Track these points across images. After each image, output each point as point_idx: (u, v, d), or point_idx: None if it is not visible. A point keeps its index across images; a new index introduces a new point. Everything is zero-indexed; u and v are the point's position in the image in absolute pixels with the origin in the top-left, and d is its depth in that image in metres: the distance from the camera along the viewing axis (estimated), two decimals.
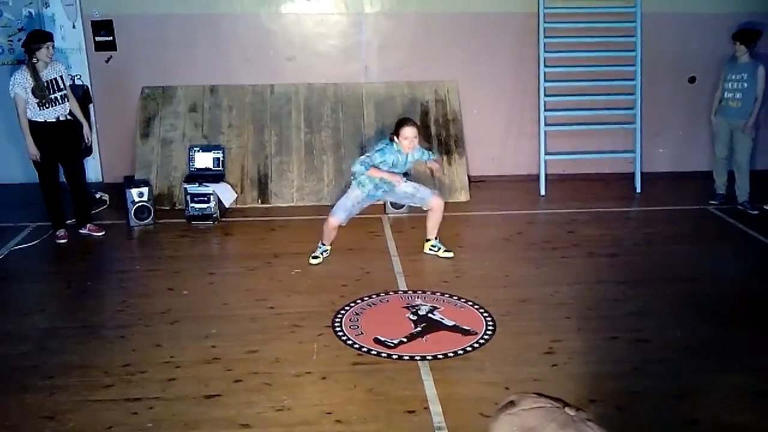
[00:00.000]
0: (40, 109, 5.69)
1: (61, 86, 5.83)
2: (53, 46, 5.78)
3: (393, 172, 5.40)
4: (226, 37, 7.39)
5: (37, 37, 5.70)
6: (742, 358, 4.13)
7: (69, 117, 5.92)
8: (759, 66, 6.61)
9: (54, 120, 5.77)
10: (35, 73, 5.64)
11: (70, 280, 5.32)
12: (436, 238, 5.73)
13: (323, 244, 5.59)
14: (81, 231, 6.18)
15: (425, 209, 5.69)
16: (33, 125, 5.72)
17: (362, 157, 5.46)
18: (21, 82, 5.64)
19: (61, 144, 5.86)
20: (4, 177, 7.46)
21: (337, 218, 5.46)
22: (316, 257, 5.56)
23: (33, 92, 5.64)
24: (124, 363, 4.08)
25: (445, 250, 5.69)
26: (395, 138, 5.34)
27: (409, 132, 5.31)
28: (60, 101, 5.80)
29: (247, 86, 7.45)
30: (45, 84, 5.69)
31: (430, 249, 5.72)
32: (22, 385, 3.87)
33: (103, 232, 6.20)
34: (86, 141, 6.25)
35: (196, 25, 7.32)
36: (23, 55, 5.99)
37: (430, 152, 5.82)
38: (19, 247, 5.90)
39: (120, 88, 7.35)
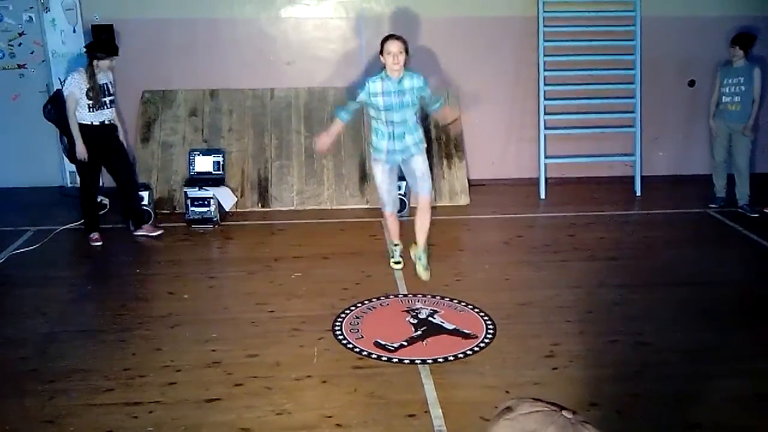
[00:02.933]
0: (89, 111, 5.88)
1: (109, 91, 6.04)
2: (115, 60, 6.02)
3: (388, 110, 4.92)
4: (226, 42, 7.40)
5: (105, 49, 5.93)
6: (742, 361, 4.13)
7: (113, 122, 6.13)
8: (755, 68, 6.64)
9: (99, 123, 5.96)
10: (93, 77, 5.85)
11: (70, 284, 5.32)
12: (424, 251, 5.26)
13: (394, 244, 5.47)
14: (136, 233, 6.27)
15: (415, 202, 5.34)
16: (80, 127, 5.91)
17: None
18: (78, 83, 5.84)
19: (106, 146, 6.05)
20: (2, 181, 7.46)
21: (387, 209, 5.33)
22: (397, 262, 5.44)
23: (87, 94, 5.83)
24: (125, 367, 4.08)
25: (424, 268, 5.20)
26: (382, 60, 4.89)
27: (392, 46, 4.80)
28: (108, 105, 6.00)
29: (247, 90, 7.46)
30: (100, 87, 5.91)
31: (413, 256, 5.32)
32: (22, 389, 3.86)
33: (161, 232, 6.28)
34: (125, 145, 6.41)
35: (197, 30, 7.33)
36: (80, 59, 6.17)
37: (440, 98, 5.30)
38: (19, 251, 5.90)
39: (120, 92, 7.27)
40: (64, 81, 6.04)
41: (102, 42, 6.04)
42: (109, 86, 6.02)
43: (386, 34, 5.07)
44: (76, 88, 5.83)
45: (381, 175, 5.19)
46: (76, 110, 5.84)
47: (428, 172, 5.24)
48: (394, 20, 7.45)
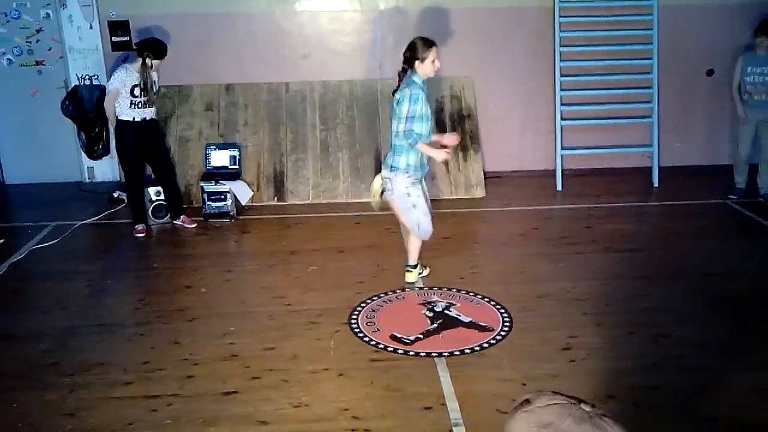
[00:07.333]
0: (131, 107, 6.00)
1: (155, 89, 6.19)
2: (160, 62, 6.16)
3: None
4: (241, 36, 7.41)
5: (159, 51, 6.03)
6: (761, 354, 4.09)
7: (156, 117, 6.28)
8: None
9: (141, 120, 6.08)
10: (145, 74, 5.97)
11: (89, 278, 5.37)
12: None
13: (419, 263, 5.11)
14: (175, 222, 6.43)
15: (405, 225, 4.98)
16: (122, 123, 6.05)
17: (400, 127, 4.48)
18: (122, 78, 5.95)
19: (148, 141, 6.18)
20: (22, 177, 7.55)
21: (431, 230, 4.89)
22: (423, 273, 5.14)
23: (132, 91, 5.93)
24: (143, 360, 4.12)
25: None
26: (414, 66, 4.48)
27: (436, 51, 4.47)
28: (151, 104, 6.13)
29: (262, 84, 7.48)
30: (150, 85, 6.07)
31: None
32: (42, 382, 3.92)
33: (195, 225, 6.38)
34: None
35: (212, 24, 7.35)
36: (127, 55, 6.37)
37: None
38: (39, 246, 5.96)
39: None
40: (110, 75, 6.18)
41: (153, 43, 6.10)
42: (155, 85, 6.15)
43: (422, 37, 4.60)
44: (119, 83, 5.94)
45: (420, 199, 4.74)
46: (117, 105, 5.96)
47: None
48: (409, 12, 7.42)
